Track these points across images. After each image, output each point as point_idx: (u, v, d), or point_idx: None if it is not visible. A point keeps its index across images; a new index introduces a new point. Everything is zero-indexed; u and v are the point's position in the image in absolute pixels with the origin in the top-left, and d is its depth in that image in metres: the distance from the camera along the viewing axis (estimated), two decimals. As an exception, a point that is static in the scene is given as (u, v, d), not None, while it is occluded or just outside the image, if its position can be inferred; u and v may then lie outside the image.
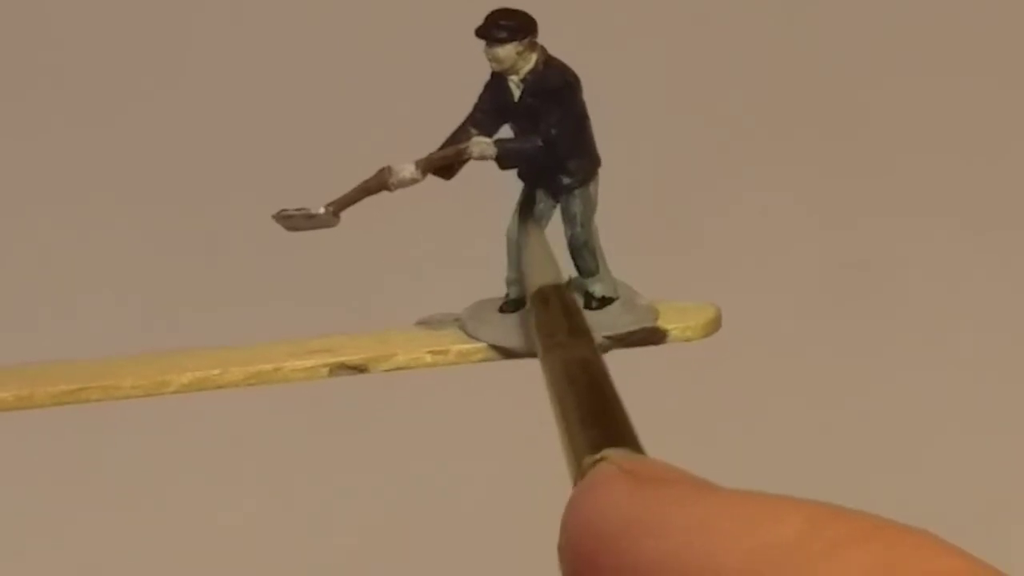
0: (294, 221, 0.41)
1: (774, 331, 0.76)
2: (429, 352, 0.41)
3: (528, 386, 0.69)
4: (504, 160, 0.41)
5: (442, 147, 0.41)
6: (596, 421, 0.29)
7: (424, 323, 0.43)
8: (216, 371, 0.40)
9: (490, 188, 0.41)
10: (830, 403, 0.75)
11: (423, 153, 0.41)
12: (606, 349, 0.41)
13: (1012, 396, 0.77)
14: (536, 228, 0.41)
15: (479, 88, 0.42)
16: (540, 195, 0.42)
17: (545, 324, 0.35)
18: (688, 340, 0.42)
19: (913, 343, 0.78)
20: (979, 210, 0.80)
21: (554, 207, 0.42)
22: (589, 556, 0.23)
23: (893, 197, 0.81)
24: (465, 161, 0.41)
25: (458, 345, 0.41)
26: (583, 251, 0.42)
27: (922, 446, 0.75)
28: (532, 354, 0.41)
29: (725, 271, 0.77)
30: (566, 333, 0.34)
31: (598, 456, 0.26)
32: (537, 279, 0.38)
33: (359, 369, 0.41)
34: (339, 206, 0.41)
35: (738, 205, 0.81)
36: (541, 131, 0.41)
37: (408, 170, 0.41)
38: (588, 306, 0.42)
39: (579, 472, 0.26)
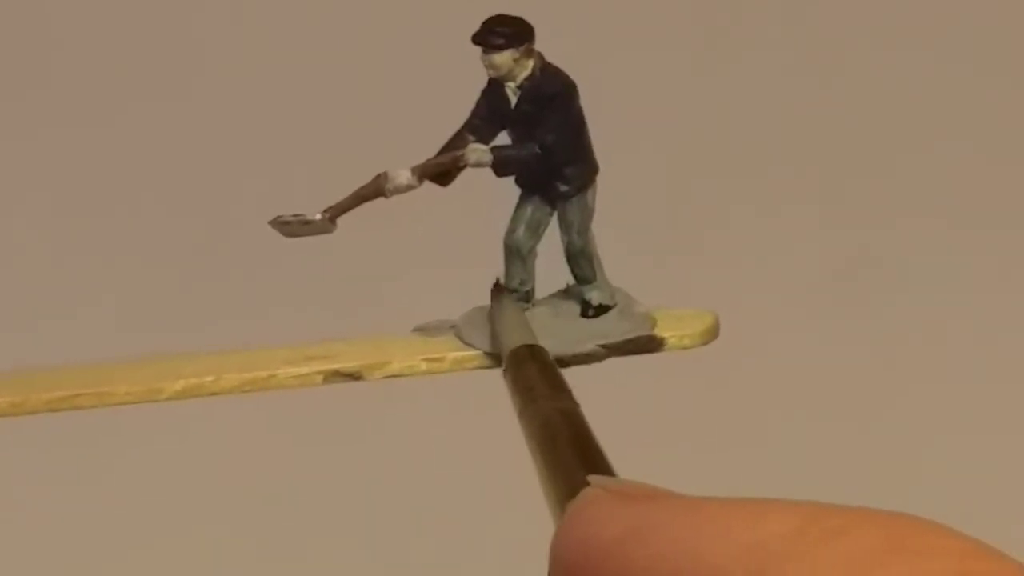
0: (290, 227, 0.41)
1: (772, 339, 0.76)
2: (425, 359, 0.41)
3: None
4: (501, 167, 0.41)
5: (439, 154, 0.41)
6: (581, 467, 0.28)
7: (420, 330, 0.42)
8: (210, 378, 0.40)
9: (487, 195, 0.41)
10: (828, 411, 0.75)
11: (420, 160, 0.41)
12: (603, 357, 0.41)
13: (1013, 399, 0.77)
14: (508, 297, 0.41)
15: (476, 95, 0.42)
16: (537, 202, 0.42)
17: (523, 381, 0.35)
18: (685, 348, 0.42)
19: (912, 351, 0.78)
20: (978, 216, 0.80)
21: (551, 214, 0.42)
22: (585, 570, 0.23)
23: (892, 205, 0.81)
24: (462, 168, 0.41)
25: (454, 352, 0.41)
26: (580, 258, 0.42)
27: (923, 452, 0.75)
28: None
29: (723, 279, 0.77)
30: (547, 388, 0.34)
31: (585, 481, 0.26)
32: (512, 341, 0.38)
33: (354, 376, 0.41)
34: (335, 212, 0.41)
35: (736, 213, 0.81)
36: (538, 138, 0.41)
37: (404, 176, 0.41)
38: (585, 314, 0.42)
39: (562, 516, 0.26)
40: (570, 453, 0.30)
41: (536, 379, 0.35)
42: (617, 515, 0.24)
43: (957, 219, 0.80)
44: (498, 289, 0.42)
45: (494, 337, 0.40)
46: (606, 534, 0.23)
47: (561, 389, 0.34)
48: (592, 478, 0.26)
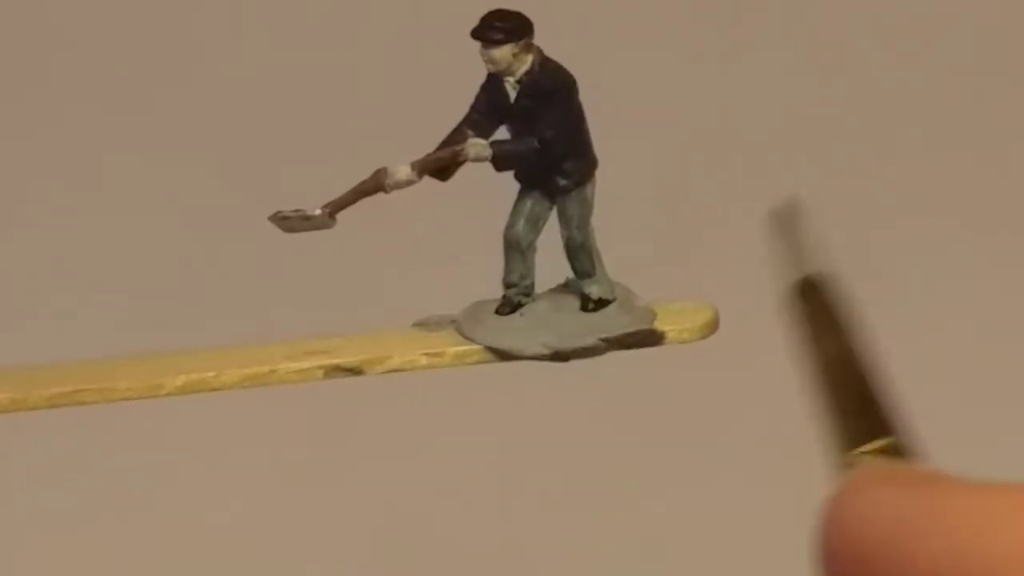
0: (290, 223, 0.41)
1: (772, 333, 0.76)
2: (425, 354, 0.41)
3: (523, 388, 0.69)
4: (500, 162, 0.41)
5: (438, 149, 0.41)
6: (861, 414, 0.28)
7: (420, 325, 0.42)
8: (211, 373, 0.40)
9: (486, 190, 0.41)
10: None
11: (419, 155, 0.41)
12: (603, 351, 0.41)
13: (1013, 399, 0.77)
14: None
15: (475, 89, 0.42)
16: (537, 197, 0.42)
17: (810, 315, 0.34)
18: (685, 342, 0.42)
19: (913, 344, 0.78)
20: (981, 211, 0.80)
21: (551, 209, 0.42)
22: (858, 561, 0.22)
23: (893, 198, 0.81)
24: (461, 163, 0.41)
25: (454, 347, 0.41)
26: (580, 253, 0.42)
27: (923, 447, 0.75)
28: (526, 356, 0.41)
29: (722, 273, 0.77)
30: (830, 326, 0.33)
31: (862, 449, 0.26)
32: (802, 267, 0.36)
33: (354, 371, 0.41)
34: (335, 208, 0.41)
35: (736, 207, 0.81)
36: (537, 132, 0.41)
37: (404, 172, 0.41)
38: (585, 308, 0.42)
39: (843, 463, 0.26)
40: (850, 402, 0.29)
41: (823, 315, 0.34)
42: (892, 503, 0.23)
43: (957, 218, 0.80)
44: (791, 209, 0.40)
45: (787, 253, 0.37)
46: (882, 522, 0.22)
47: (845, 328, 0.33)
48: (866, 455, 0.25)
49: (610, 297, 0.42)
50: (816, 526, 0.24)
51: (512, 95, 0.41)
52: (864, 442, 0.26)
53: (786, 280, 0.36)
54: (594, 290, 0.42)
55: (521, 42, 0.41)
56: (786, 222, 0.39)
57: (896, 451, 0.27)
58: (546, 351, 0.41)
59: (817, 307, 0.34)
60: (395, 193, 0.41)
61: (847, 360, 0.31)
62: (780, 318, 0.36)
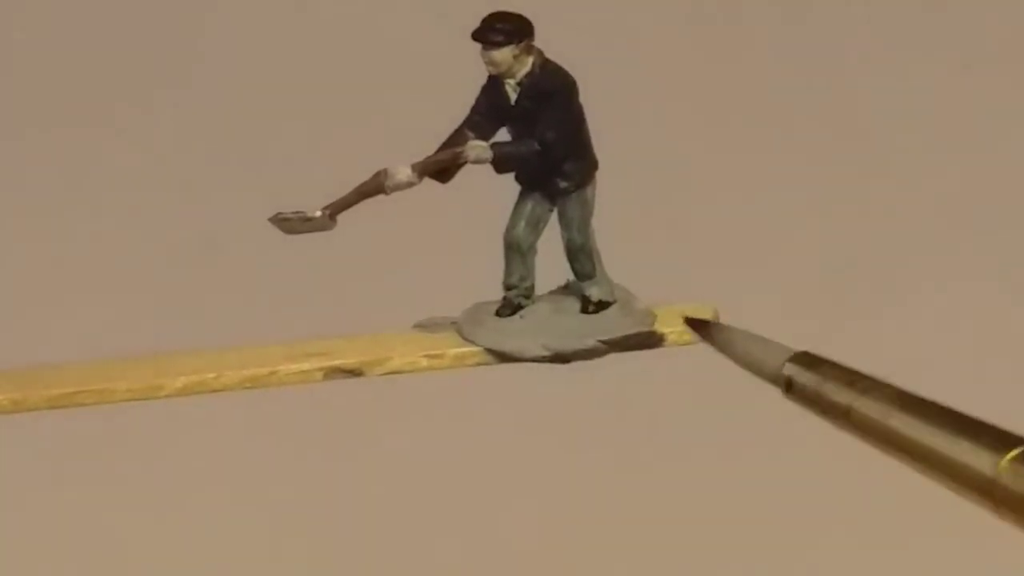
0: (291, 224, 0.41)
1: (772, 334, 0.76)
2: (425, 356, 0.41)
3: (524, 390, 0.69)
4: (501, 164, 0.41)
5: (438, 151, 0.41)
6: (984, 429, 0.29)
7: (421, 327, 0.43)
8: (211, 375, 0.40)
9: (487, 192, 0.41)
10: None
11: (419, 156, 0.41)
12: (603, 353, 0.41)
13: (1013, 398, 0.77)
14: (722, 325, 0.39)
15: (476, 91, 0.42)
16: (537, 198, 0.42)
17: (833, 377, 0.34)
18: (685, 344, 0.42)
19: (912, 344, 0.78)
20: (980, 210, 0.80)
21: (551, 211, 0.42)
22: None
23: (893, 197, 0.81)
24: (461, 165, 0.41)
25: (454, 349, 0.41)
26: (580, 255, 0.42)
27: None
28: (527, 358, 0.41)
29: (722, 276, 0.77)
30: (861, 376, 0.33)
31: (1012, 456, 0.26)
32: (779, 353, 0.36)
33: (355, 372, 0.41)
34: (336, 209, 0.41)
35: (736, 209, 0.81)
36: (538, 134, 0.41)
37: (404, 173, 0.41)
38: (585, 310, 0.42)
39: (997, 470, 0.27)
40: (962, 422, 0.29)
41: (844, 372, 0.33)
42: None
43: (958, 217, 0.80)
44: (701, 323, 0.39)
45: (748, 363, 0.37)
46: None
47: (866, 376, 0.33)
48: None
49: (610, 299, 0.42)
50: None
51: (513, 97, 0.41)
52: (1006, 451, 0.27)
53: (774, 370, 0.36)
54: (594, 292, 0.42)
55: (521, 44, 0.41)
56: (714, 332, 0.39)
57: None
58: (546, 353, 0.41)
59: (831, 371, 0.34)
60: (395, 195, 0.41)
61: (901, 395, 0.31)
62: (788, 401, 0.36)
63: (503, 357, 0.41)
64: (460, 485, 0.73)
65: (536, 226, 0.42)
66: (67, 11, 0.82)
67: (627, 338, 0.42)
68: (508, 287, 0.42)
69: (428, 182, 0.41)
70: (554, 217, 0.42)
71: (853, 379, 0.33)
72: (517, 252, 0.42)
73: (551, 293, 0.43)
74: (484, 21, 0.41)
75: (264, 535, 0.72)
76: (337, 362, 0.41)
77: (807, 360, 0.35)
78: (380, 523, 0.72)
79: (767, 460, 0.72)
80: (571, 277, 0.43)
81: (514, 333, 0.41)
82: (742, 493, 0.71)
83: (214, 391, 0.40)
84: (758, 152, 0.82)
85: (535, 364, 0.41)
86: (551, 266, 0.43)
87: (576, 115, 0.41)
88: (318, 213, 0.41)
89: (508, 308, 0.42)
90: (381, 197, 0.41)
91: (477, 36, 0.41)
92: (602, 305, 0.42)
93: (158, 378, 0.40)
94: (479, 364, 0.41)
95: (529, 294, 0.42)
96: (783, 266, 0.80)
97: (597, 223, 0.42)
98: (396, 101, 0.79)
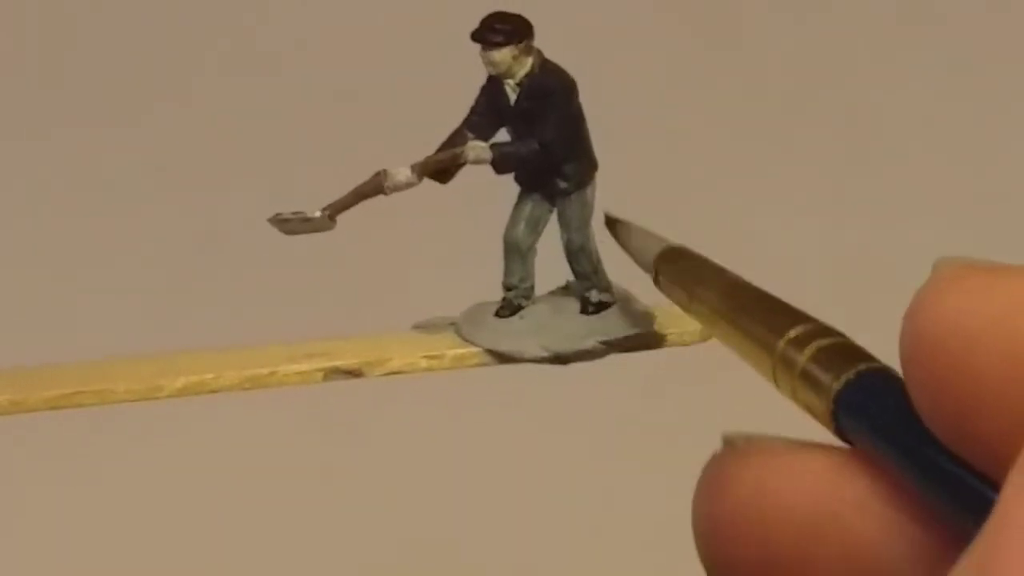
0: (290, 225, 0.41)
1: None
2: (425, 356, 0.41)
3: (523, 391, 0.69)
4: (500, 164, 0.41)
5: (438, 151, 0.41)
6: (782, 311, 0.28)
7: (420, 327, 0.42)
8: (210, 375, 0.40)
9: (486, 192, 0.41)
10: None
11: (419, 157, 0.41)
12: (603, 354, 0.41)
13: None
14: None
15: (475, 92, 0.42)
16: (537, 199, 0.42)
17: (685, 272, 0.34)
18: (686, 344, 0.42)
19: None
20: (980, 210, 0.80)
21: (551, 211, 0.42)
22: (956, 355, 0.21)
23: (896, 197, 0.81)
24: (461, 165, 0.41)
25: (454, 350, 0.41)
26: (580, 256, 0.42)
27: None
28: (526, 359, 0.41)
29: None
30: (713, 270, 0.33)
31: (792, 335, 0.26)
32: (656, 244, 0.37)
33: (354, 373, 0.41)
34: (335, 210, 0.41)
35: (736, 209, 0.81)
36: (537, 135, 0.41)
37: (404, 174, 0.41)
38: (585, 310, 0.42)
39: (774, 358, 0.26)
40: (766, 306, 0.29)
41: (699, 267, 0.34)
42: (988, 291, 0.21)
43: (959, 217, 0.80)
44: (613, 220, 0.41)
45: (636, 257, 0.38)
46: (981, 312, 0.21)
47: (721, 271, 0.33)
48: (939, 261, 0.23)
49: (610, 300, 0.42)
50: (907, 331, 0.23)
51: (512, 97, 0.41)
52: (789, 329, 0.26)
53: (646, 259, 0.37)
54: (594, 293, 0.42)
55: (521, 44, 0.41)
56: (620, 227, 0.40)
57: (825, 333, 0.27)
58: (546, 354, 0.41)
59: (689, 263, 0.35)
60: (395, 195, 0.41)
61: (741, 284, 0.31)
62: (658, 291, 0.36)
63: (502, 358, 0.41)
64: (460, 485, 0.73)
65: (536, 227, 0.42)
66: (67, 11, 0.82)
67: (627, 339, 0.41)
68: (508, 288, 0.42)
69: (428, 183, 0.41)
70: (554, 218, 0.42)
71: (702, 271, 0.33)
72: (517, 253, 0.42)
73: (551, 294, 0.43)
74: (483, 22, 0.41)
75: (264, 535, 0.72)
76: (337, 363, 0.41)
77: (672, 254, 0.35)
78: (380, 523, 0.72)
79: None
80: (571, 278, 0.43)
81: (513, 334, 0.41)
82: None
83: (214, 391, 0.40)
84: (758, 152, 0.82)
85: (535, 365, 0.41)
86: (551, 266, 0.43)
87: (576, 115, 0.41)
88: (317, 214, 0.41)
89: (508, 309, 0.42)
90: (380, 197, 0.41)
91: (476, 37, 0.41)
92: (602, 306, 0.42)
93: (158, 378, 0.40)
94: (479, 365, 0.41)
95: (529, 295, 0.42)
96: (783, 266, 0.80)
97: (597, 224, 0.42)
98: (395, 101, 0.79)
